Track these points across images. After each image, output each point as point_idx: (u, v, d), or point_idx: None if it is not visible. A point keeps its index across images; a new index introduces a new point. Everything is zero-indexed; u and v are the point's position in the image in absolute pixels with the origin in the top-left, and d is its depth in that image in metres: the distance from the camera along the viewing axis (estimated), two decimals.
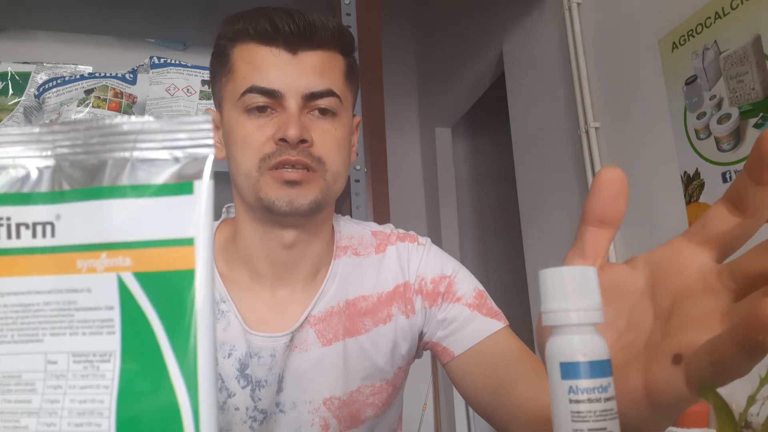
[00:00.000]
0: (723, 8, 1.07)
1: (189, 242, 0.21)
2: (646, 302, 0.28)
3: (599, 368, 0.22)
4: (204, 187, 0.21)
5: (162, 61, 1.12)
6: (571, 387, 0.22)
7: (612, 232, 0.29)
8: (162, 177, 0.21)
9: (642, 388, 0.26)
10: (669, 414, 0.26)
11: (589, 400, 0.22)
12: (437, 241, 2.44)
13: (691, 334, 0.25)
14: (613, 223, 0.29)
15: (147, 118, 0.21)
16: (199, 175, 0.21)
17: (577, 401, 0.22)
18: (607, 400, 0.22)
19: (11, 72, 1.13)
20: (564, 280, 0.24)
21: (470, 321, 0.62)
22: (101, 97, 1.07)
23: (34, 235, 0.21)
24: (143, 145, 0.21)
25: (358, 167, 1.04)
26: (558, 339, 0.23)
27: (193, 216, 0.21)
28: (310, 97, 0.56)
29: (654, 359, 0.26)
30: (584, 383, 0.22)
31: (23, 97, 1.12)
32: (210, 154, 0.21)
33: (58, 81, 1.08)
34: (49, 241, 0.21)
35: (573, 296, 0.23)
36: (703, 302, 0.26)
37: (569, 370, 0.22)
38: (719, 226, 0.26)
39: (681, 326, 0.26)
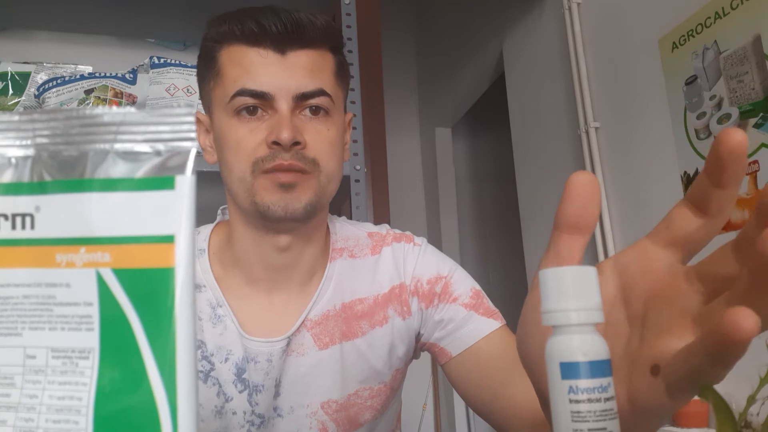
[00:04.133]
0: (723, 8, 1.06)
1: (169, 239, 0.20)
2: (620, 308, 0.28)
3: (599, 368, 0.22)
4: (186, 182, 0.21)
5: (162, 61, 1.12)
6: (571, 387, 0.22)
7: (585, 238, 0.28)
8: (143, 170, 0.20)
9: (625, 397, 0.26)
10: (654, 422, 0.26)
11: (589, 400, 0.22)
12: (437, 241, 2.43)
13: (665, 342, 0.25)
14: (586, 228, 0.28)
15: (129, 109, 0.20)
16: (181, 170, 0.20)
17: (577, 401, 0.22)
18: (607, 400, 0.22)
19: (11, 72, 1.14)
20: (564, 280, 0.24)
21: (467, 321, 0.62)
22: (101, 97, 1.07)
23: (13, 227, 0.21)
24: (124, 137, 0.21)
25: (358, 167, 1.04)
26: (558, 339, 0.23)
27: (174, 212, 0.20)
28: (301, 97, 0.56)
29: (634, 369, 0.26)
30: (584, 383, 0.22)
31: (23, 97, 1.12)
32: (193, 148, 0.21)
33: (58, 81, 1.09)
34: (28, 234, 0.21)
35: (573, 296, 0.23)
36: (674, 306, 0.25)
37: (569, 370, 0.22)
38: (684, 228, 0.26)
39: (656, 333, 0.26)
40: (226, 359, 0.59)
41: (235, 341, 0.59)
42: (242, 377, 0.59)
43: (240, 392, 0.59)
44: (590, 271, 0.24)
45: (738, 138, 0.23)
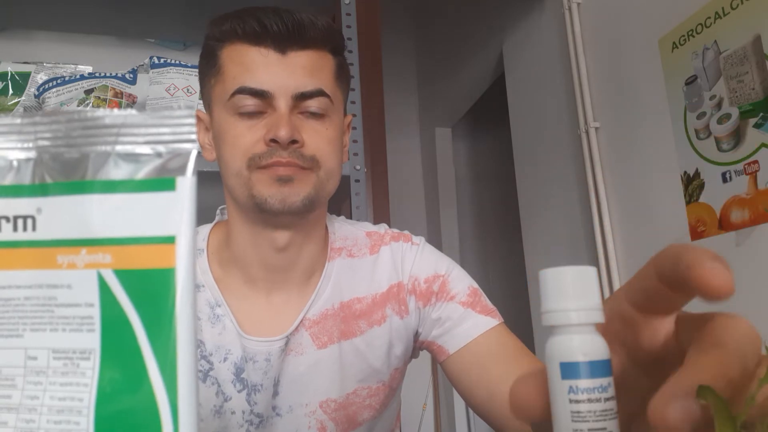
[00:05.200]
0: (723, 8, 1.06)
1: (170, 240, 0.20)
2: (633, 369, 0.25)
3: (599, 368, 0.22)
4: (187, 183, 0.21)
5: (162, 61, 1.12)
6: (570, 387, 0.22)
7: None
8: (144, 172, 0.21)
9: None
10: None
11: (589, 400, 0.22)
12: (437, 241, 2.44)
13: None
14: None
15: (130, 111, 0.21)
16: (182, 171, 0.21)
17: (577, 401, 0.22)
18: (607, 400, 0.22)
19: (11, 72, 1.14)
20: (564, 280, 0.23)
21: (464, 319, 0.62)
22: (101, 97, 1.07)
23: (15, 229, 0.21)
24: (125, 139, 0.21)
25: (358, 167, 1.04)
26: (558, 339, 0.23)
27: (174, 213, 0.20)
28: (300, 97, 0.56)
29: None
30: (584, 383, 0.22)
31: (23, 97, 1.12)
32: (193, 150, 0.21)
33: (58, 81, 1.09)
34: (30, 235, 0.21)
35: (573, 296, 0.23)
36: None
37: (569, 370, 0.22)
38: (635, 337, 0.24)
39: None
40: (225, 359, 0.59)
41: (234, 341, 0.59)
42: (241, 377, 0.59)
43: (239, 392, 0.59)
44: (590, 271, 0.24)
45: (727, 287, 0.19)
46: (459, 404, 2.31)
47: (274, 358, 0.59)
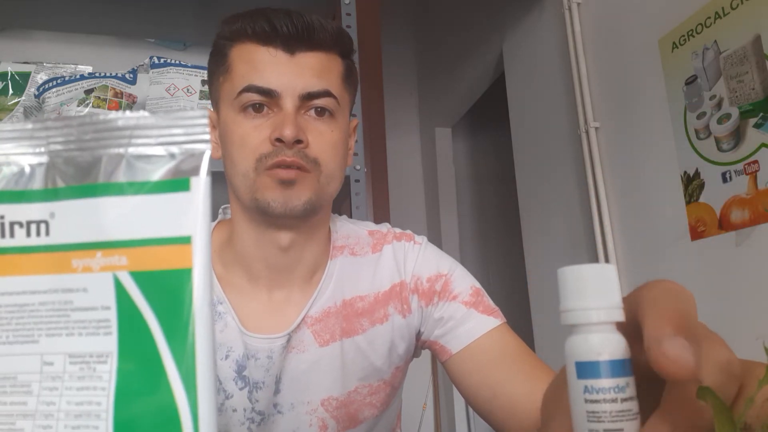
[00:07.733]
0: (723, 8, 1.07)
1: (186, 240, 0.20)
2: None
3: (616, 368, 0.22)
4: (201, 183, 0.21)
5: (162, 61, 1.12)
6: (586, 386, 0.22)
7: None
8: (158, 173, 0.21)
9: None
10: None
11: (605, 400, 0.21)
12: (437, 241, 2.44)
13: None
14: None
15: (142, 113, 0.21)
16: (195, 172, 0.21)
17: (593, 401, 0.21)
18: (624, 400, 0.21)
19: (11, 72, 1.13)
20: (583, 278, 0.23)
21: (467, 319, 0.62)
22: (101, 97, 1.07)
23: (28, 234, 0.21)
24: (138, 141, 0.21)
25: (358, 167, 1.04)
26: (575, 338, 0.23)
27: (189, 213, 0.20)
28: (307, 97, 0.56)
29: None
30: (600, 383, 0.21)
31: (23, 97, 1.12)
32: (207, 150, 0.21)
33: (58, 81, 1.08)
34: (43, 240, 0.21)
35: (591, 295, 0.23)
36: None
37: (584, 369, 0.22)
38: None
39: None
40: (227, 356, 0.59)
41: (236, 338, 0.59)
42: (242, 374, 0.59)
43: (240, 389, 0.59)
44: (609, 269, 0.23)
45: (684, 371, 0.20)
46: (459, 404, 2.31)
47: (275, 355, 0.59)
